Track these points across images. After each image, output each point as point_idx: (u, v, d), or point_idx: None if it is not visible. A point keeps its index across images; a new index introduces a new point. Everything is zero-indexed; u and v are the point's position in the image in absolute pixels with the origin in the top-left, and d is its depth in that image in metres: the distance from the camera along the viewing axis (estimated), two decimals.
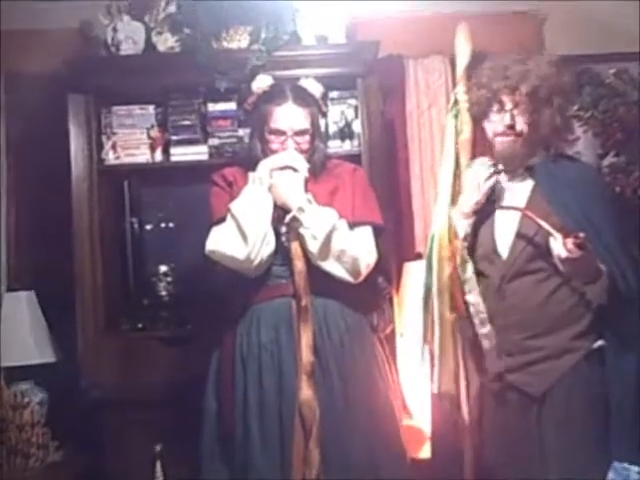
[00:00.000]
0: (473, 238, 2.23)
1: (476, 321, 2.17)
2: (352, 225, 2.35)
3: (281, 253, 2.33)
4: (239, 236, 2.28)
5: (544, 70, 2.15)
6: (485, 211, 2.24)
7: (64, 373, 2.99)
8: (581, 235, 1.92)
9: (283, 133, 2.35)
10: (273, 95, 2.40)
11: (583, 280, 2.05)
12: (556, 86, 2.15)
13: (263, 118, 2.38)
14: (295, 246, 2.30)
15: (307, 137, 2.38)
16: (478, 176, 2.19)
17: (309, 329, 2.24)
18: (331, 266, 2.30)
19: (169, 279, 3.16)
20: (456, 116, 2.30)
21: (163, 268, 3.17)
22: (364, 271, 2.34)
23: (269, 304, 2.33)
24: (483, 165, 2.22)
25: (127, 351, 3.03)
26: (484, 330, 2.16)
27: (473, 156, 2.27)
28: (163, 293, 3.16)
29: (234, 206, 2.32)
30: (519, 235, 2.15)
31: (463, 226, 2.22)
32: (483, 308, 2.16)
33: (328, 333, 2.31)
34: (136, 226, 3.22)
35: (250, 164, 2.41)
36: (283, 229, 2.33)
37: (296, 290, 2.27)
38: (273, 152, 2.36)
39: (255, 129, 2.46)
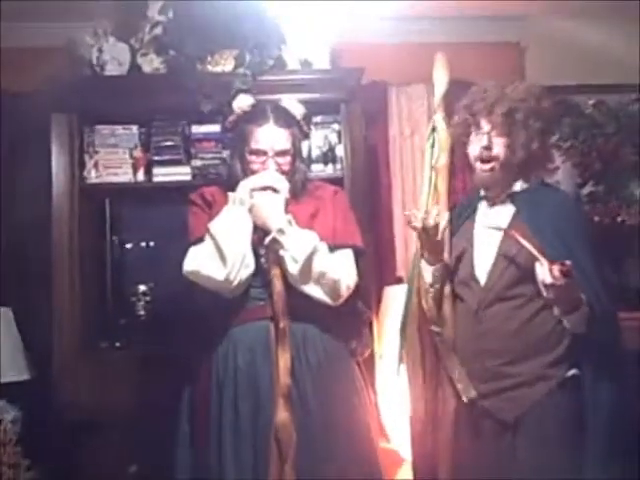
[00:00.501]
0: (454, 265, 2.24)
1: (442, 351, 2.18)
2: (333, 248, 2.34)
3: (260, 274, 2.31)
4: (218, 256, 2.25)
5: (521, 93, 2.17)
6: (465, 238, 2.26)
7: (39, 391, 2.96)
8: (567, 262, 1.92)
9: (264, 153, 2.33)
10: (255, 115, 2.38)
11: (564, 308, 2.04)
12: (533, 110, 2.16)
13: (244, 138, 2.36)
14: (274, 267, 2.28)
15: (288, 158, 2.37)
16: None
17: (286, 352, 2.21)
18: (311, 288, 2.28)
19: (148, 298, 3.15)
20: (433, 144, 2.31)
21: (142, 287, 3.16)
22: (344, 293, 2.32)
23: (246, 327, 2.30)
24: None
25: (104, 370, 3.00)
26: (449, 361, 2.17)
27: (450, 183, 2.27)
28: (142, 312, 3.15)
29: (213, 226, 2.30)
30: (498, 260, 2.15)
31: (429, 272, 2.22)
32: (448, 339, 2.18)
33: (306, 357, 2.28)
34: (116, 245, 3.21)
35: (230, 184, 2.40)
36: (262, 250, 2.31)
37: (274, 312, 2.24)
38: (254, 172, 2.34)
39: (235, 149, 2.44)
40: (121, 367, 3.00)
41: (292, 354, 2.23)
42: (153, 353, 3.01)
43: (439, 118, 2.30)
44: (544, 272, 1.95)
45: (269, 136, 2.33)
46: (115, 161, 3.20)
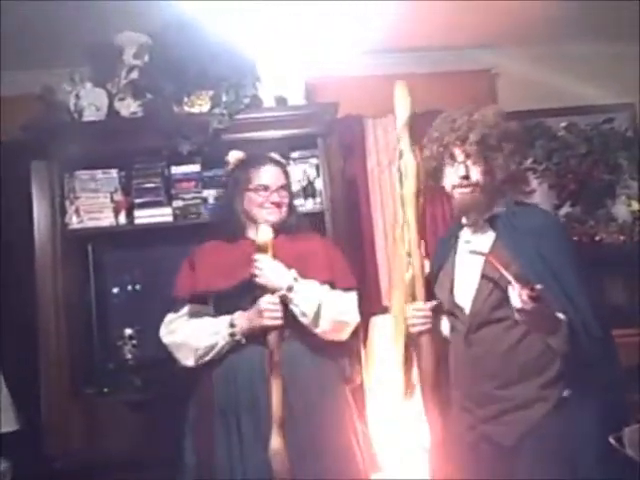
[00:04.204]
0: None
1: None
2: (341, 289, 2.48)
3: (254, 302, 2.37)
4: (192, 355, 2.42)
5: (490, 119, 2.20)
6: (444, 268, 2.27)
7: (28, 441, 2.92)
8: (537, 287, 1.92)
9: (267, 188, 2.52)
10: (253, 161, 2.60)
11: (539, 331, 2.04)
12: (504, 133, 2.19)
13: (245, 179, 2.54)
14: None
15: (286, 192, 2.57)
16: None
17: (280, 383, 2.25)
18: (321, 331, 2.41)
19: (134, 342, 3.14)
20: (402, 169, 2.30)
21: (128, 331, 3.14)
22: (349, 332, 2.49)
23: (242, 353, 2.38)
24: None
25: (92, 417, 2.98)
26: None
27: (420, 210, 2.28)
28: (129, 357, 3.13)
29: (198, 335, 2.41)
30: (482, 284, 2.16)
31: None
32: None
33: (302, 381, 2.36)
34: (101, 290, 3.20)
35: (230, 222, 2.54)
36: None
37: (269, 346, 2.29)
38: (258, 205, 2.51)
39: (234, 190, 2.57)
40: (110, 413, 2.98)
41: (287, 380, 2.28)
42: (142, 397, 3.00)
43: (405, 144, 2.27)
44: (514, 296, 1.95)
45: (271, 174, 2.56)
46: (96, 206, 3.21)
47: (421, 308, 2.19)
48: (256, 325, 2.33)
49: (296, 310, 2.38)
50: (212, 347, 2.39)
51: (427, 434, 2.22)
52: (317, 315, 2.39)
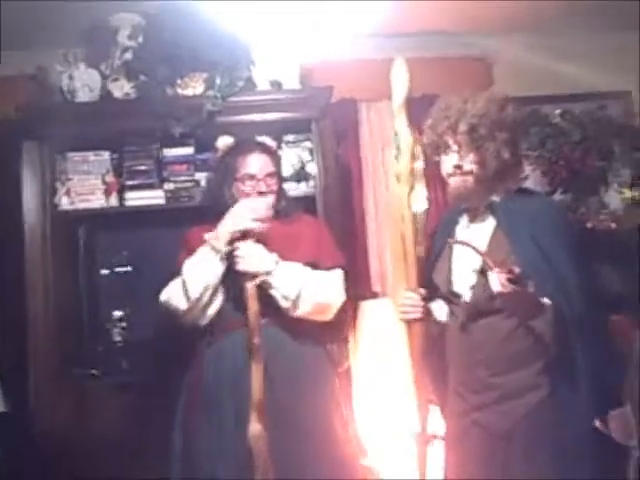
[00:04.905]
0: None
1: None
2: (324, 269, 2.45)
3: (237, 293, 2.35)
4: (182, 293, 2.37)
5: (481, 107, 2.15)
6: (442, 253, 2.25)
7: (16, 423, 2.92)
8: (515, 270, 1.90)
9: (254, 177, 2.50)
10: (241, 148, 2.57)
11: (520, 315, 2.02)
12: (496, 121, 2.15)
13: (233, 167, 2.52)
14: (251, 286, 2.31)
15: (275, 179, 2.54)
16: None
17: (260, 368, 2.26)
18: (303, 313, 2.38)
19: (124, 325, 3.13)
20: (398, 148, 2.28)
21: (117, 313, 3.14)
22: (334, 312, 2.46)
23: (230, 335, 2.37)
24: None
25: (81, 399, 2.97)
26: None
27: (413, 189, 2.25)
28: (117, 339, 3.13)
29: (185, 264, 2.40)
30: (481, 274, 2.10)
31: None
32: None
33: (280, 362, 2.34)
34: (90, 271, 3.19)
35: (218, 211, 2.49)
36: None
37: (249, 329, 2.29)
38: (245, 195, 2.48)
39: (224, 178, 2.56)
40: (98, 395, 2.98)
41: (265, 360, 2.27)
42: (130, 379, 3.00)
43: (400, 122, 2.22)
44: (494, 280, 1.94)
45: (258, 162, 2.52)
46: (87, 187, 3.19)
47: (411, 297, 2.17)
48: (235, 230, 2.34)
49: (277, 294, 2.36)
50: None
51: (416, 420, 2.22)
52: (297, 298, 2.36)
